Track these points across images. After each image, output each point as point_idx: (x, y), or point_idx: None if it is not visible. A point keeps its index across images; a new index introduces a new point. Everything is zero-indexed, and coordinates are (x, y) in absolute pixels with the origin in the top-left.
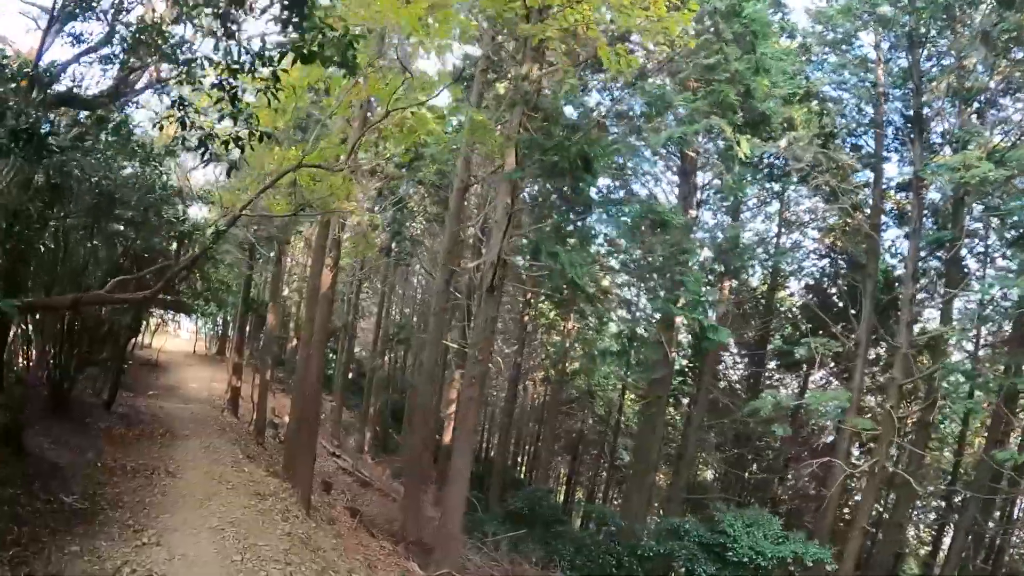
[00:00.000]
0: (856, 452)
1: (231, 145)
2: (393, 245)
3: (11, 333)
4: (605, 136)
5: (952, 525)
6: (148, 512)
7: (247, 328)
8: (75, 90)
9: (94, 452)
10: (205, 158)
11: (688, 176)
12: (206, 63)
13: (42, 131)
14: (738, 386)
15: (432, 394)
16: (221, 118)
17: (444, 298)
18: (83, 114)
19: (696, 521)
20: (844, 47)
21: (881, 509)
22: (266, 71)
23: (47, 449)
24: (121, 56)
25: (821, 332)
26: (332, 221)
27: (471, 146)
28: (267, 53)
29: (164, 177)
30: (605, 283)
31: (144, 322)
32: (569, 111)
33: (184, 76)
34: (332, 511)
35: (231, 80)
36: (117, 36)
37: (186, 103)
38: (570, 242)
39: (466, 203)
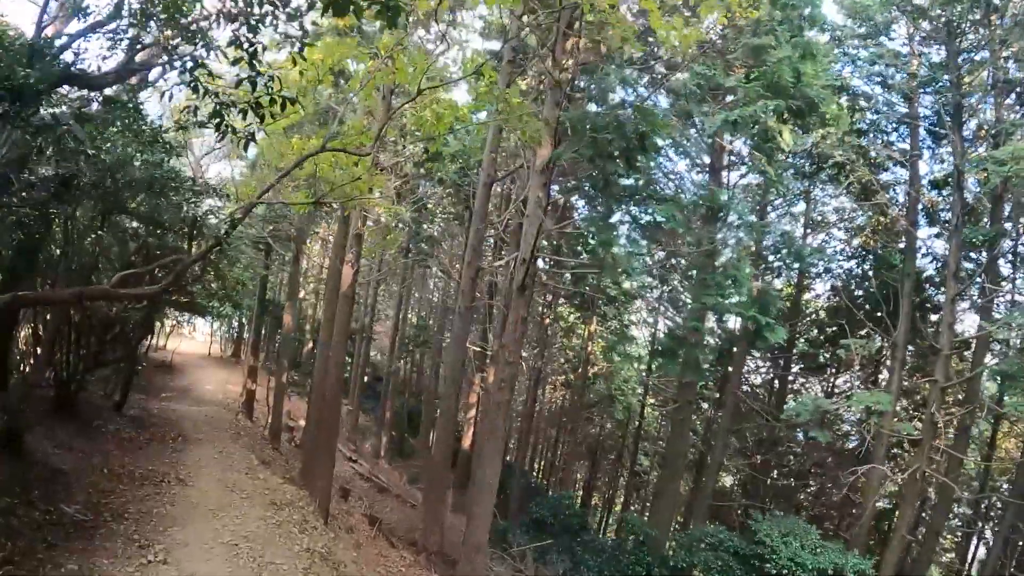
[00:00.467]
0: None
1: (250, 114)
2: (411, 246)
3: (23, 332)
4: (656, 113)
5: (984, 532)
6: (156, 525)
7: (263, 330)
8: (79, 67)
9: (101, 457)
10: (221, 130)
11: (718, 173)
12: (222, 18)
13: (30, 82)
14: (760, 390)
15: (455, 399)
16: (238, 83)
17: (469, 298)
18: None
19: (727, 530)
20: (877, 40)
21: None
22: (292, 28)
23: (51, 454)
24: (129, 31)
25: (851, 334)
26: (353, 216)
27: (498, 139)
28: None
29: (176, 164)
30: (628, 284)
31: (158, 323)
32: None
33: (197, 37)
34: (350, 519)
35: (250, 36)
36: (126, 7)
37: (199, 60)
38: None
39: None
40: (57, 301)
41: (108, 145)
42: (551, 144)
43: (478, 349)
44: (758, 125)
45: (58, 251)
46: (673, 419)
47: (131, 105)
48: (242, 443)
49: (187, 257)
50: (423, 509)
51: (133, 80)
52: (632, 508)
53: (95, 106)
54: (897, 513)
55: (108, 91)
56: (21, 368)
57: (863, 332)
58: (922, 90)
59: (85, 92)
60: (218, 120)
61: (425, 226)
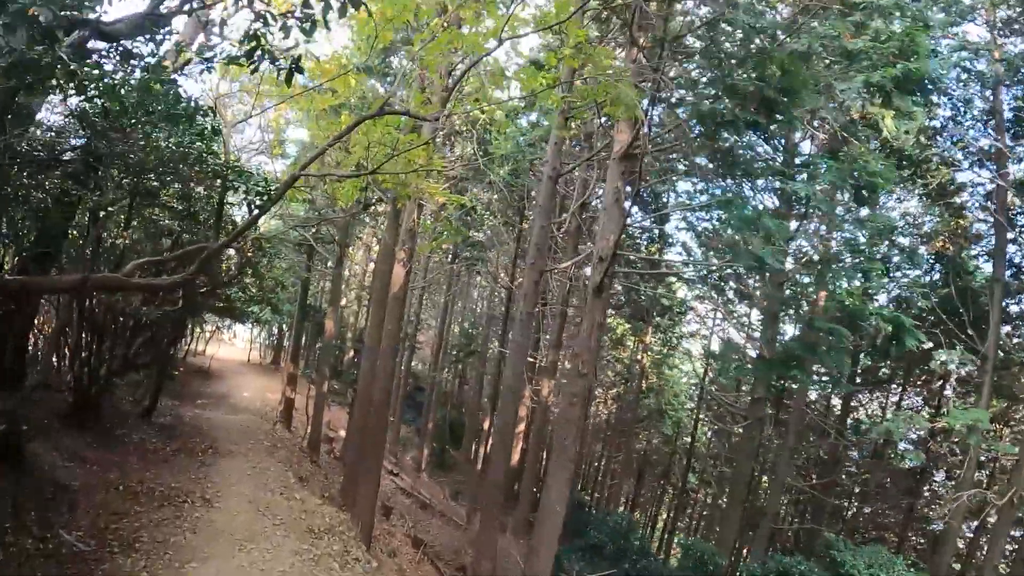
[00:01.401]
0: (939, 478)
1: (291, 29)
2: (458, 251)
3: (47, 330)
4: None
5: None
6: (171, 559)
7: (303, 337)
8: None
9: (117, 471)
10: (255, 60)
11: (792, 157)
12: None
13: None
14: (815, 406)
15: (514, 415)
16: None
17: (531, 302)
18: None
19: (800, 559)
20: (958, 27)
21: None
22: None
23: (59, 466)
24: None
25: (920, 347)
26: (407, 209)
27: (565, 129)
28: None
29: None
30: (681, 293)
31: (197, 328)
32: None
33: None
34: (392, 540)
35: None
36: None
37: None
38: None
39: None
40: (57, 288)
41: (133, 120)
42: (630, 128)
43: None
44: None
45: (81, 240)
46: (741, 437)
47: (157, 61)
48: (278, 456)
49: (213, 243)
50: (473, 532)
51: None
52: (677, 526)
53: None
54: (988, 540)
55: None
56: (40, 369)
57: (929, 344)
58: (1004, 84)
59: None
60: (253, 45)
61: (472, 232)
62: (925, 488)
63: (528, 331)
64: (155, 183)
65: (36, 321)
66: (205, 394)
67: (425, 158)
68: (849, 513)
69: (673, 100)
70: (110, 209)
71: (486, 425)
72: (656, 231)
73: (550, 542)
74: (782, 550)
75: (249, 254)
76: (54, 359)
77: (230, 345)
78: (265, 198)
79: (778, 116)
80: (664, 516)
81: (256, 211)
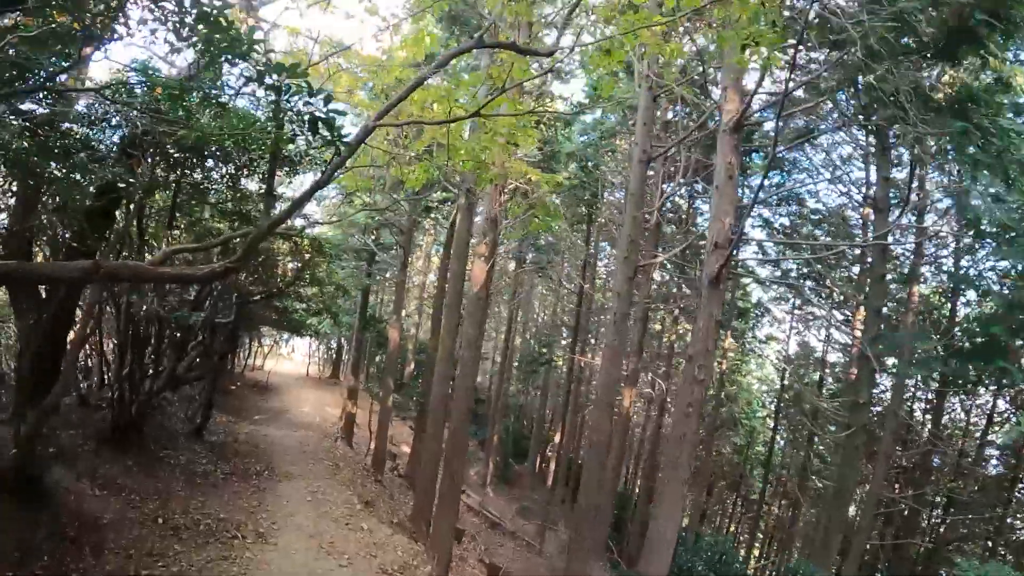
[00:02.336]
0: None
1: None
2: (525, 256)
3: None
4: None
5: None
6: None
7: (365, 347)
8: None
9: (157, 501)
10: None
11: (887, 152)
12: None
13: None
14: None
15: (609, 432)
16: None
17: (626, 302)
18: None
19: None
20: None
21: None
22: None
23: (87, 497)
24: None
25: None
26: (490, 194)
27: (654, 107)
28: None
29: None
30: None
31: (251, 340)
32: None
33: None
34: (465, 567)
35: None
36: None
37: None
38: None
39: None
40: (62, 277)
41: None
42: (739, 94)
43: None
44: None
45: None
46: (846, 446)
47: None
48: (341, 477)
49: (264, 221)
50: (547, 554)
51: None
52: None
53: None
54: None
55: None
56: (81, 384)
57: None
58: None
59: None
60: None
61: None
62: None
63: (624, 334)
64: (199, 174)
65: (71, 330)
66: (262, 409)
67: (514, 129)
68: (938, 525)
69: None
70: (152, 204)
71: (557, 438)
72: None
73: (659, 574)
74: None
75: (307, 255)
76: (92, 373)
77: (288, 359)
78: (334, 154)
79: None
80: (733, 529)
81: (325, 173)
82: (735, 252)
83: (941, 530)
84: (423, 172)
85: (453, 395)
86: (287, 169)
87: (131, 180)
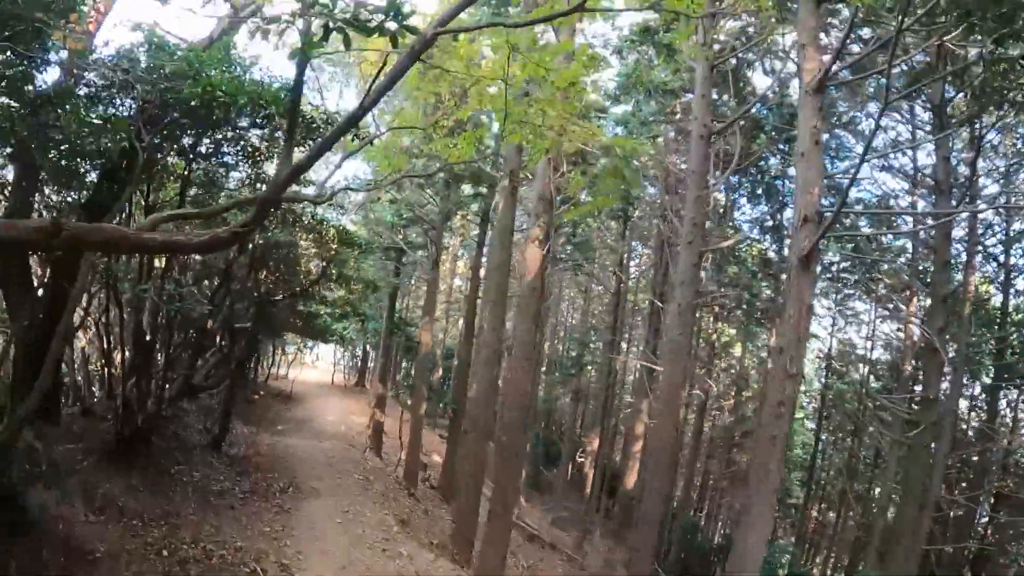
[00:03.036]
0: None
1: None
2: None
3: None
4: None
5: None
6: None
7: (392, 353)
8: None
9: (164, 527)
10: None
11: (946, 131)
12: None
13: None
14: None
15: (672, 441)
16: None
17: (691, 291)
18: None
19: None
20: None
21: None
22: None
23: (81, 521)
24: None
25: None
26: (546, 169)
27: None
28: None
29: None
30: None
31: (275, 347)
32: None
33: None
34: None
35: None
36: None
37: None
38: None
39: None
40: (9, 239)
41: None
42: (818, 51)
43: (644, 364)
44: None
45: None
46: (913, 446)
47: None
48: (373, 493)
49: (280, 174)
50: (590, 566)
51: None
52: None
53: None
54: None
55: None
56: (83, 393)
57: None
58: None
59: None
60: None
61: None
62: None
63: (689, 327)
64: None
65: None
66: (286, 419)
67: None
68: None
69: None
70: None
71: (595, 444)
72: None
73: None
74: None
75: (333, 250)
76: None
77: (313, 368)
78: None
79: None
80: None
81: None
82: (838, 222)
83: (987, 530)
84: (467, 144)
85: (504, 403)
86: (304, 135)
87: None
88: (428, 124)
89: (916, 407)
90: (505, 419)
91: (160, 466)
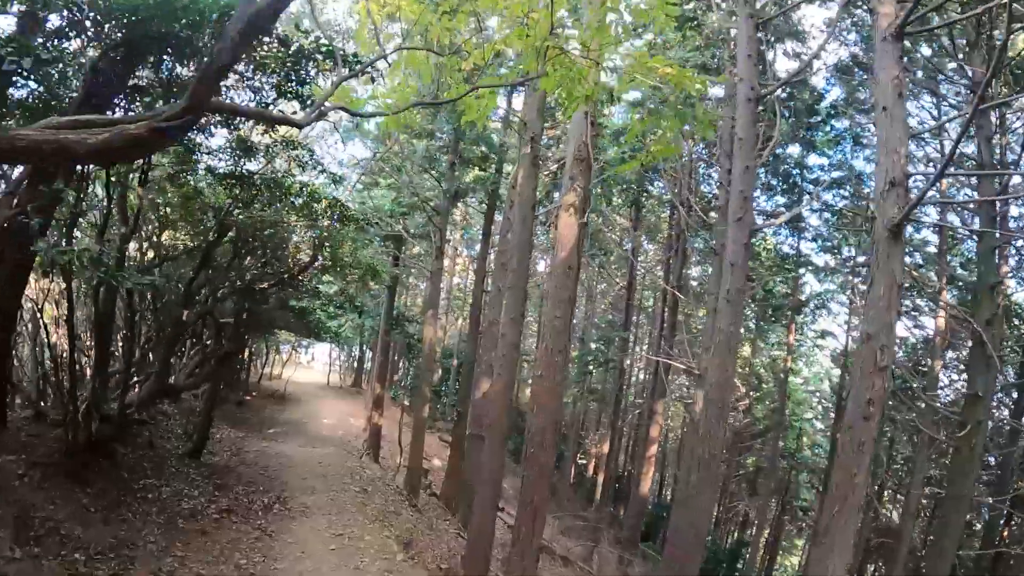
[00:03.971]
0: None
1: None
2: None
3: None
4: None
5: None
6: None
7: (391, 351)
8: None
9: (113, 562)
10: None
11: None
12: None
13: None
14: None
15: (722, 440)
16: None
17: (741, 275)
18: None
19: None
20: None
21: None
22: None
23: (4, 559)
24: None
25: None
26: (581, 123)
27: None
28: None
29: None
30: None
31: (273, 351)
32: None
33: None
34: None
35: None
36: None
37: None
38: None
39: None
40: None
41: None
42: None
43: (663, 360)
44: None
45: None
46: (961, 446)
47: None
48: (372, 510)
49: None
50: None
51: None
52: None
53: None
54: None
55: None
56: (34, 397)
57: None
58: None
59: None
60: None
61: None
62: None
63: (739, 317)
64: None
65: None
66: (279, 422)
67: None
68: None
69: None
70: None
71: (605, 448)
72: None
73: None
74: None
75: (326, 230)
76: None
77: (308, 368)
78: None
79: None
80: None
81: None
82: (934, 188)
83: (1004, 533)
84: (491, 97)
85: (534, 408)
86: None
87: None
88: (446, 56)
89: (964, 406)
90: (534, 426)
91: (122, 482)
